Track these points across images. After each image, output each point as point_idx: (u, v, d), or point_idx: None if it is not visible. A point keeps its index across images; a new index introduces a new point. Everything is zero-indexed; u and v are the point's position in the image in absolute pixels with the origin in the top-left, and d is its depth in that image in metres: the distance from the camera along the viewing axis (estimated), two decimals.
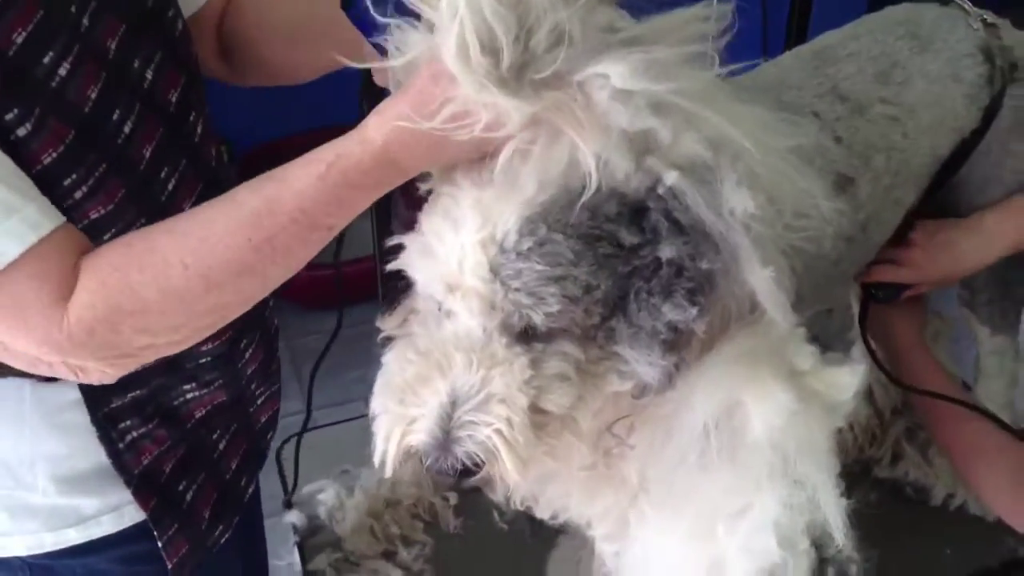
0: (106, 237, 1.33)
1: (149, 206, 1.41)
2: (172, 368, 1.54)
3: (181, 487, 1.63)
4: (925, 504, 2.25)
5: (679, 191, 1.21)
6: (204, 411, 1.63)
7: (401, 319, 1.46)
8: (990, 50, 1.87)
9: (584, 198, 1.21)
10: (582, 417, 1.35)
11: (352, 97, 1.79)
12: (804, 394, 1.28)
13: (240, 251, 1.24)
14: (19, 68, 1.23)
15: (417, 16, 1.27)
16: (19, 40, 1.22)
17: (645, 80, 1.18)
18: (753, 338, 1.30)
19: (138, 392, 1.53)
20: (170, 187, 1.46)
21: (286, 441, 2.30)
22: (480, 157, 1.26)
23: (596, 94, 1.19)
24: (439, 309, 1.33)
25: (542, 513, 1.67)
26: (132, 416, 1.54)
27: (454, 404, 1.27)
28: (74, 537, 1.55)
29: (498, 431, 1.26)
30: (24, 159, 1.25)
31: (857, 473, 2.24)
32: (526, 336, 1.29)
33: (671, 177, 1.21)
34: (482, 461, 1.28)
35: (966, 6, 1.92)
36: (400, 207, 2.42)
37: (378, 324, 1.47)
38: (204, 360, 1.59)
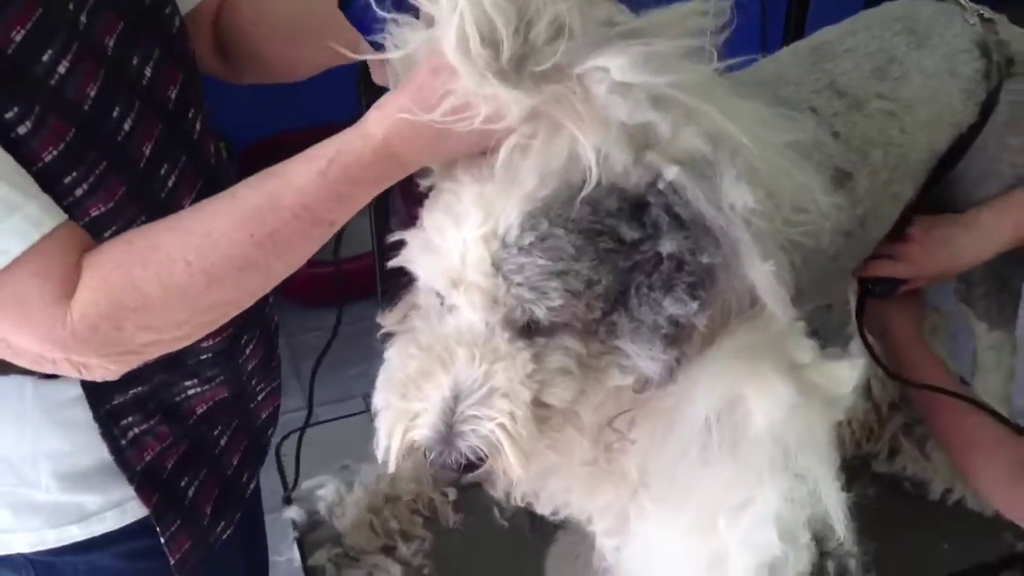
0: (107, 235, 1.33)
1: (149, 203, 1.40)
2: (173, 364, 1.53)
3: (183, 483, 1.63)
4: (923, 499, 2.25)
5: (679, 186, 1.22)
6: (205, 407, 1.63)
7: (402, 315, 1.47)
8: (987, 45, 1.87)
9: (584, 192, 1.22)
10: (584, 411, 1.35)
11: (349, 94, 1.80)
12: (804, 387, 1.29)
13: (242, 247, 1.24)
14: (18, 66, 1.23)
15: (416, 13, 1.27)
16: (18, 38, 1.22)
17: (644, 73, 1.18)
18: (753, 332, 1.31)
19: (140, 388, 1.53)
20: (170, 184, 1.45)
21: (285, 437, 2.31)
22: (480, 152, 1.26)
23: (595, 87, 1.20)
24: (441, 304, 1.34)
25: (543, 509, 1.67)
26: (134, 412, 1.54)
27: (457, 399, 1.28)
28: (77, 534, 1.56)
29: (501, 425, 1.26)
30: (25, 157, 1.25)
31: (855, 468, 2.24)
32: (528, 331, 1.29)
33: (671, 172, 1.21)
34: (485, 455, 1.28)
35: (963, 1, 1.92)
36: (398, 204, 2.43)
37: (378, 320, 1.48)
38: (205, 356, 1.59)
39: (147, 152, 1.41)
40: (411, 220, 1.37)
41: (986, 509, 2.18)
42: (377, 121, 1.23)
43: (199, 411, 1.63)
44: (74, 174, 1.30)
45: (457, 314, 1.31)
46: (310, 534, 2.19)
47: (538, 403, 1.29)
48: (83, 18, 1.31)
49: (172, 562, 1.61)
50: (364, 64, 1.54)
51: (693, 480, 1.35)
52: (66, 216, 1.27)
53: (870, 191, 1.78)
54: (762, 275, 1.26)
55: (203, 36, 1.68)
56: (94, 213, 1.34)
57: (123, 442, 1.53)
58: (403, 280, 1.45)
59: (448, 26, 1.16)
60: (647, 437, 1.41)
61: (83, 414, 1.49)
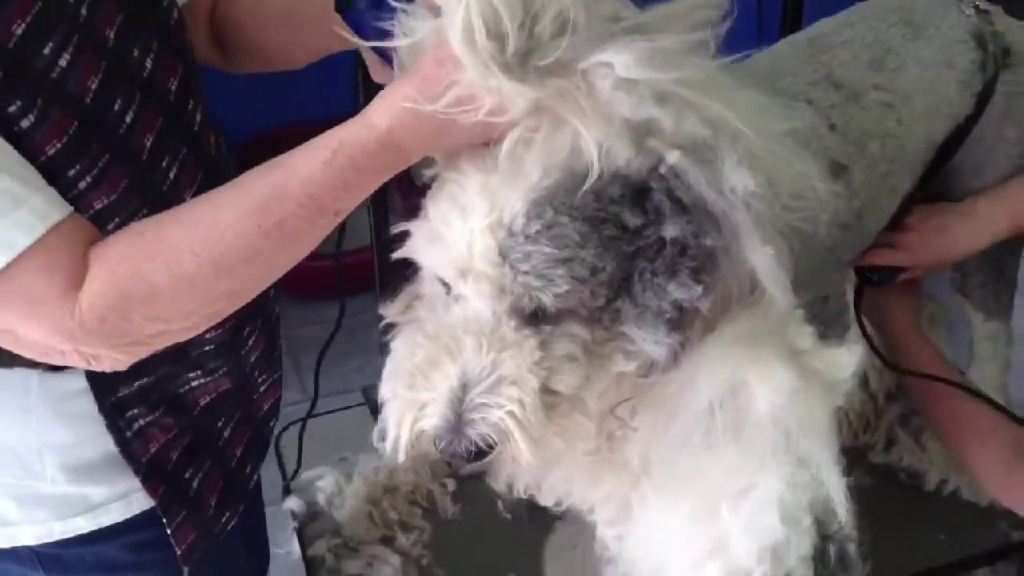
0: (110, 227, 1.34)
1: (151, 196, 1.41)
2: (177, 356, 1.54)
3: (188, 475, 1.64)
4: (919, 489, 2.26)
5: (681, 170, 1.22)
6: (209, 399, 1.64)
7: (404, 305, 1.47)
8: (982, 36, 1.88)
9: (588, 184, 1.22)
10: (590, 397, 1.36)
11: (347, 88, 1.80)
12: (805, 373, 1.30)
13: (249, 237, 1.25)
14: (19, 60, 1.23)
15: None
16: (19, 32, 1.23)
17: (649, 69, 1.19)
18: (754, 319, 1.31)
19: (145, 380, 1.54)
20: (171, 176, 1.46)
21: (284, 429, 2.32)
22: (483, 143, 1.27)
23: (599, 83, 1.20)
24: (447, 293, 1.35)
25: (545, 500, 1.68)
26: (139, 404, 1.55)
27: (465, 387, 1.28)
28: (83, 525, 1.57)
29: (510, 412, 1.27)
30: (28, 151, 1.25)
31: (851, 458, 2.24)
32: (535, 318, 1.30)
33: (673, 156, 1.22)
34: (495, 442, 1.29)
35: None
36: (396, 198, 2.44)
37: (381, 311, 1.48)
38: (208, 348, 1.59)
39: (148, 144, 1.42)
40: (409, 213, 1.38)
41: (981, 499, 2.19)
42: (381, 111, 1.23)
43: (203, 403, 1.64)
44: (77, 167, 1.31)
45: (464, 303, 1.31)
46: (309, 525, 2.19)
47: (545, 390, 1.30)
48: (83, 10, 1.32)
49: (178, 553, 1.62)
50: (361, 58, 1.55)
51: (695, 467, 1.35)
52: (72, 208, 1.28)
53: (867, 183, 1.78)
54: (763, 258, 1.27)
55: (200, 27, 1.69)
56: (97, 206, 1.34)
57: (128, 434, 1.54)
58: (402, 273, 1.46)
59: (454, 17, 1.17)
60: (649, 425, 1.42)
61: (88, 406, 1.50)
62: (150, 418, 1.56)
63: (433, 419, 1.30)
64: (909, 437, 2.30)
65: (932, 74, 1.84)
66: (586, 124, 1.21)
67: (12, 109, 1.23)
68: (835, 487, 1.32)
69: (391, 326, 1.47)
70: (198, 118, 1.55)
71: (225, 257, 1.25)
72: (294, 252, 1.30)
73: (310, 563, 2.12)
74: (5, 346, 1.32)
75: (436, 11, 1.24)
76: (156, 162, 1.44)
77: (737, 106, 1.26)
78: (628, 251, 1.27)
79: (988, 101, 1.89)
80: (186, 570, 1.64)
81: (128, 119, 1.38)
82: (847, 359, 1.33)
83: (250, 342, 1.68)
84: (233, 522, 1.73)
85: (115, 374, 1.42)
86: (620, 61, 1.18)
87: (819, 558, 1.37)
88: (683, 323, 1.30)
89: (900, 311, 2.02)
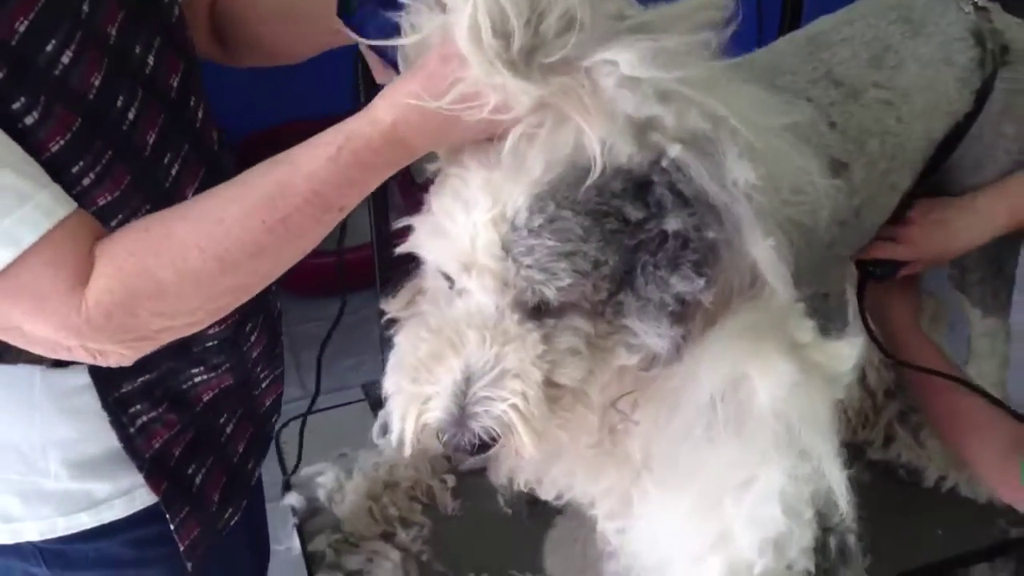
0: (113, 224, 1.34)
1: (153, 192, 1.41)
2: (180, 352, 1.54)
3: (190, 471, 1.64)
4: (917, 486, 2.27)
5: (682, 163, 1.23)
6: (211, 395, 1.64)
7: (407, 300, 1.48)
8: (981, 33, 1.89)
9: (590, 180, 1.23)
10: (593, 390, 1.37)
11: (347, 85, 1.80)
12: (806, 366, 1.30)
13: (254, 233, 1.25)
14: (23, 57, 1.23)
15: None
16: (21, 29, 1.23)
17: (653, 68, 1.20)
18: (755, 313, 1.31)
19: (147, 376, 1.54)
20: (173, 172, 1.46)
21: (284, 425, 2.32)
22: (487, 138, 1.27)
23: (603, 80, 1.21)
24: (450, 288, 1.35)
25: (546, 494, 1.68)
26: (142, 400, 1.55)
27: (468, 380, 1.28)
28: (86, 521, 1.57)
29: (514, 406, 1.28)
30: (32, 147, 1.25)
31: (850, 455, 2.25)
32: (538, 312, 1.30)
33: (674, 149, 1.23)
34: (498, 435, 1.29)
35: None
36: (396, 195, 2.44)
37: (383, 306, 1.48)
38: (211, 344, 1.59)
39: (151, 141, 1.42)
40: (409, 210, 1.38)
41: (980, 496, 2.21)
42: (386, 107, 1.24)
43: (205, 399, 1.64)
44: (81, 164, 1.31)
45: (467, 297, 1.32)
46: (309, 520, 2.21)
47: (549, 383, 1.30)
48: (85, 7, 1.32)
49: (181, 548, 1.62)
50: (361, 56, 1.55)
51: (697, 460, 1.36)
52: (76, 205, 1.28)
53: (867, 181, 1.79)
54: (764, 251, 1.27)
55: (200, 21, 1.69)
56: (101, 202, 1.35)
57: (132, 430, 1.54)
58: (403, 270, 1.46)
59: (461, 15, 1.17)
60: (651, 418, 1.42)
61: (92, 402, 1.51)
62: (153, 414, 1.57)
63: (437, 412, 1.31)
64: (908, 434, 2.31)
65: (931, 72, 1.85)
66: (589, 121, 1.21)
67: (16, 106, 1.23)
68: (836, 479, 1.33)
69: (393, 321, 1.48)
70: (200, 115, 1.55)
71: (230, 253, 1.26)
72: (299, 247, 1.30)
73: (310, 558, 2.13)
74: (12, 342, 1.32)
75: (443, 8, 1.24)
76: (158, 159, 1.44)
77: (737, 103, 1.27)
78: (630, 244, 1.28)
79: (987, 98, 1.89)
80: (189, 566, 1.64)
81: (131, 116, 1.38)
82: (848, 352, 1.33)
83: (252, 338, 1.68)
84: (236, 518, 1.74)
85: (118, 370, 1.43)
86: (624, 59, 1.19)
87: (820, 550, 1.38)
88: (685, 316, 1.31)
89: (900, 309, 2.03)
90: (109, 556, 1.62)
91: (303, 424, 2.23)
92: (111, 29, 1.36)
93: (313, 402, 2.15)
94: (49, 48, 1.26)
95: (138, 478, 1.57)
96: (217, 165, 1.56)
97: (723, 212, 1.25)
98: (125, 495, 1.58)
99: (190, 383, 1.61)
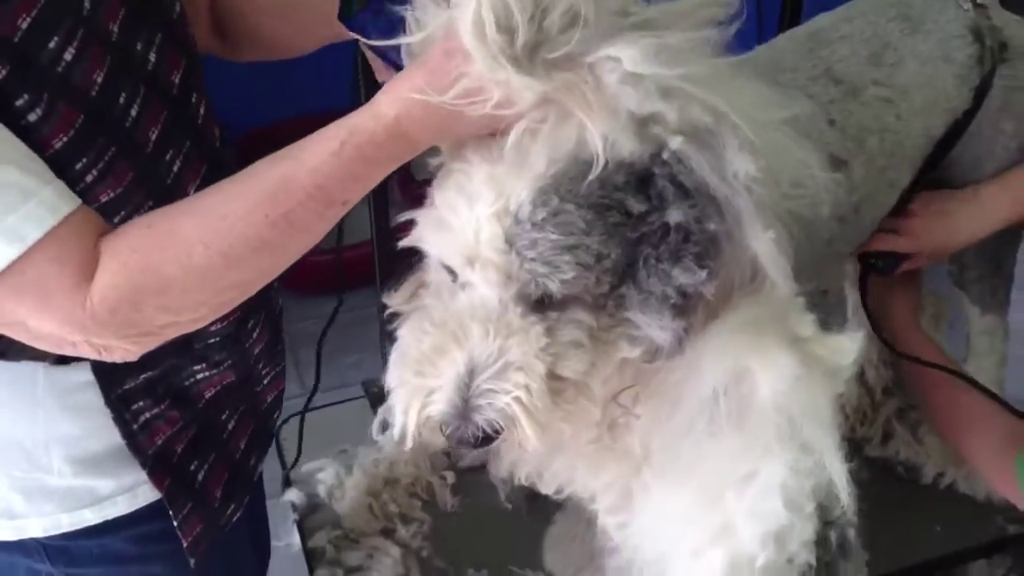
0: (116, 220, 1.34)
1: (156, 189, 1.42)
2: (182, 349, 1.55)
3: (193, 467, 1.64)
4: (915, 482, 2.28)
5: (684, 155, 1.23)
6: (214, 391, 1.65)
7: (409, 294, 1.48)
8: (980, 30, 1.89)
9: (592, 175, 1.23)
10: (595, 383, 1.37)
11: (345, 83, 1.81)
12: (807, 359, 1.30)
13: (258, 228, 1.26)
14: (25, 54, 1.24)
15: None
16: (24, 25, 1.23)
17: (656, 65, 1.20)
18: (756, 307, 1.32)
19: (150, 373, 1.55)
20: (175, 169, 1.46)
21: (284, 422, 2.32)
22: (489, 134, 1.28)
23: (606, 77, 1.21)
24: (453, 281, 1.36)
25: (546, 488, 1.68)
26: (145, 397, 1.55)
27: (472, 373, 1.29)
28: (90, 517, 1.57)
29: (517, 398, 1.28)
30: (36, 144, 1.26)
31: (849, 452, 2.26)
32: (540, 305, 1.31)
33: (675, 142, 1.23)
34: (501, 428, 1.30)
35: None
36: (396, 193, 2.44)
37: (384, 300, 1.49)
38: (213, 340, 1.60)
39: (153, 137, 1.42)
40: (409, 208, 1.39)
41: (978, 493, 2.22)
42: (389, 101, 1.24)
43: (208, 395, 1.64)
44: (84, 160, 1.31)
45: (470, 290, 1.32)
46: (310, 517, 2.21)
47: (552, 376, 1.31)
48: (87, 4, 1.32)
49: (185, 545, 1.63)
50: (361, 53, 1.55)
51: (699, 453, 1.36)
52: (80, 201, 1.28)
53: (866, 178, 1.80)
54: (764, 243, 1.28)
55: (201, 16, 1.69)
56: (104, 199, 1.35)
57: (135, 427, 1.55)
58: (402, 267, 1.47)
59: (465, 10, 1.18)
60: (652, 413, 1.43)
61: (95, 399, 1.51)
62: (156, 411, 1.57)
63: (440, 405, 1.31)
64: (906, 431, 2.32)
65: (930, 69, 1.85)
66: (592, 117, 1.22)
67: (19, 103, 1.23)
68: (838, 472, 1.33)
69: (394, 316, 1.48)
70: (201, 112, 1.55)
71: (235, 248, 1.26)
72: (302, 242, 1.31)
73: (311, 554, 2.13)
74: (17, 338, 1.33)
75: (447, 4, 1.25)
76: (161, 155, 1.44)
77: (739, 99, 1.27)
78: (632, 237, 1.28)
79: (986, 95, 1.90)
80: (192, 562, 1.65)
81: (133, 112, 1.38)
82: (848, 346, 1.33)
83: (254, 334, 1.69)
84: (238, 514, 1.74)
85: (120, 367, 1.43)
86: (627, 56, 1.19)
87: (820, 543, 1.38)
88: (687, 308, 1.31)
89: (900, 306, 2.03)
90: (113, 552, 1.62)
91: (302, 420, 2.24)
92: (113, 26, 1.36)
93: (311, 397, 2.16)
94: (51, 45, 1.26)
95: (141, 475, 1.58)
96: (219, 162, 1.56)
97: (724, 204, 1.25)
98: (128, 492, 1.58)
99: (192, 380, 1.61)
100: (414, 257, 1.45)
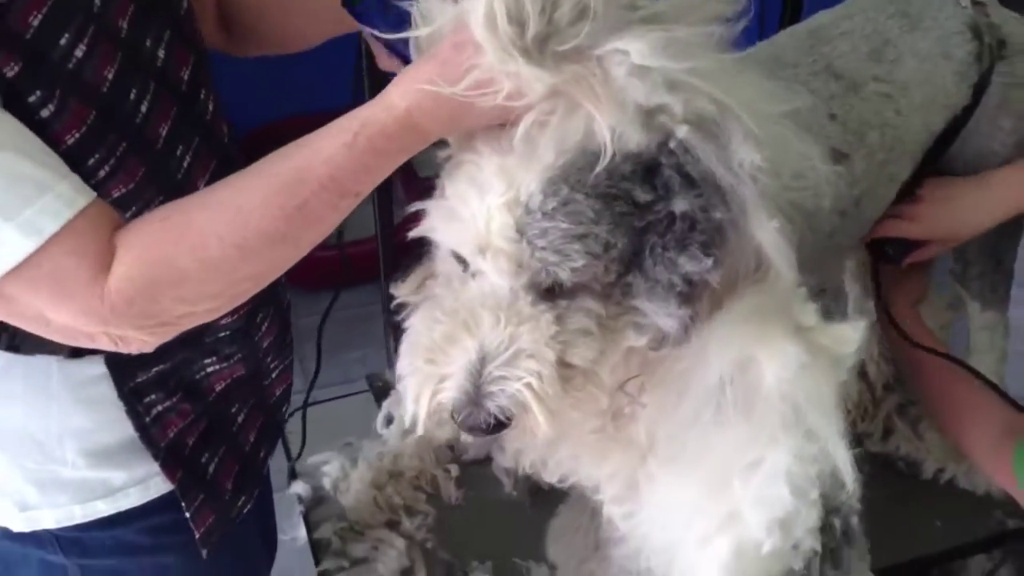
0: (127, 215, 1.35)
1: (166, 184, 1.43)
2: (194, 342, 1.56)
3: (204, 459, 1.66)
4: (916, 478, 2.30)
5: (690, 144, 1.25)
6: (224, 384, 1.66)
7: (416, 285, 1.49)
8: (978, 28, 1.91)
9: (600, 166, 1.25)
10: (604, 370, 1.38)
11: (348, 80, 1.81)
12: (811, 348, 1.31)
13: (273, 220, 1.27)
14: (37, 51, 1.25)
15: None
16: (35, 23, 1.24)
17: (663, 58, 1.21)
18: (760, 296, 1.33)
19: (162, 366, 1.56)
20: (185, 165, 1.47)
21: (290, 415, 2.33)
22: (499, 125, 1.29)
23: (614, 69, 1.23)
24: (464, 271, 1.37)
25: (550, 477, 1.69)
26: (157, 390, 1.57)
27: (483, 360, 1.30)
28: (103, 509, 1.59)
29: (528, 385, 1.29)
30: (48, 140, 1.27)
31: (849, 447, 2.28)
32: (550, 294, 1.32)
33: (682, 131, 1.24)
34: (513, 414, 1.31)
35: None
36: (399, 190, 2.46)
37: (392, 291, 1.50)
38: (223, 334, 1.61)
39: (163, 134, 1.43)
40: (413, 202, 1.40)
41: (978, 488, 2.23)
42: (400, 93, 1.25)
43: (218, 388, 1.66)
44: (96, 156, 1.32)
45: (481, 279, 1.34)
46: (315, 509, 2.23)
47: (561, 363, 1.32)
48: (96, 1, 1.33)
49: (197, 536, 1.64)
50: (361, 51, 1.56)
51: (705, 442, 1.37)
52: (95, 194, 1.29)
53: (867, 172, 1.81)
54: (768, 232, 1.29)
55: (207, 11, 1.70)
56: (115, 194, 1.35)
57: (147, 419, 1.56)
58: (406, 263, 1.48)
59: (477, 3, 1.19)
60: (658, 402, 1.44)
61: (108, 392, 1.52)
62: (168, 404, 1.58)
63: (451, 392, 1.32)
64: (907, 426, 2.33)
65: (929, 65, 1.87)
66: (600, 109, 1.23)
67: (32, 99, 1.25)
68: (843, 458, 1.34)
69: (401, 307, 1.49)
70: (210, 108, 1.56)
71: (249, 240, 1.27)
72: (316, 233, 1.32)
73: (316, 546, 2.15)
74: (34, 331, 1.34)
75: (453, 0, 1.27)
76: (171, 151, 1.45)
77: (743, 92, 1.29)
78: (639, 227, 1.29)
79: (984, 92, 1.91)
80: (204, 553, 1.66)
81: (143, 109, 1.39)
82: (851, 335, 1.34)
83: (263, 328, 1.70)
84: (248, 506, 1.75)
85: (133, 360, 1.45)
86: (635, 49, 1.21)
87: (825, 530, 1.39)
88: (693, 297, 1.32)
89: (902, 298, 2.04)
90: (125, 543, 1.63)
91: (304, 413, 2.25)
92: (122, 23, 1.37)
93: (310, 390, 2.17)
94: (63, 42, 1.27)
95: (153, 467, 1.59)
96: (227, 158, 1.57)
97: (729, 193, 1.26)
98: (141, 483, 1.60)
99: (203, 373, 1.63)
100: (419, 251, 1.46)
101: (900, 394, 2.37)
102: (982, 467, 1.94)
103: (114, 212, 1.32)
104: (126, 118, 1.37)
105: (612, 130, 1.24)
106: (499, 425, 1.32)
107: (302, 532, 2.21)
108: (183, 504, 1.62)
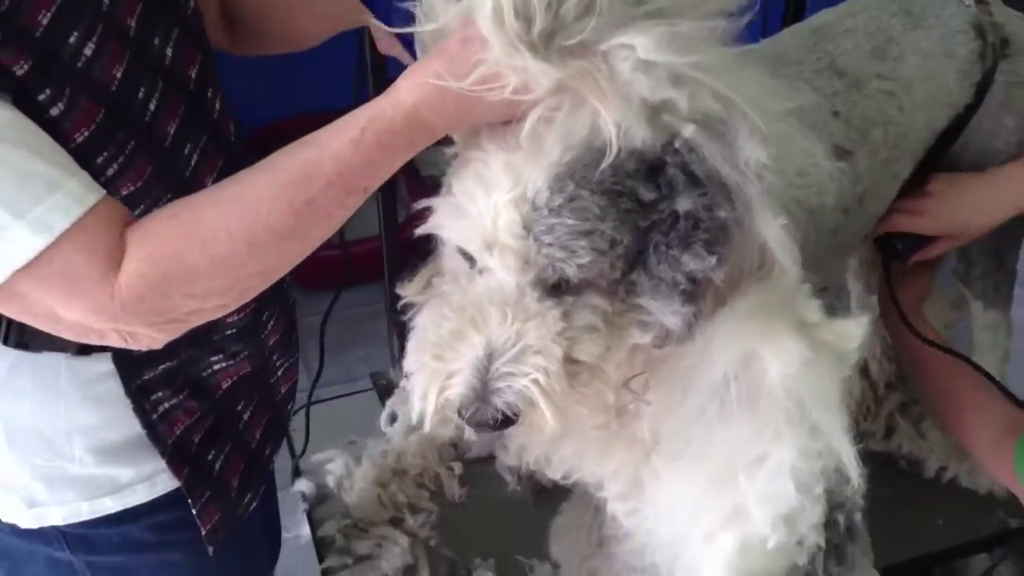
0: (136, 213, 1.35)
1: (175, 182, 1.43)
2: (200, 340, 1.56)
3: (210, 457, 1.66)
4: (918, 476, 2.30)
5: (695, 144, 1.25)
6: (230, 382, 1.66)
7: (423, 284, 1.50)
8: (981, 26, 1.91)
9: (606, 162, 1.25)
10: (609, 367, 1.39)
11: (350, 80, 1.81)
12: (815, 344, 1.32)
13: (282, 216, 1.27)
14: (47, 49, 1.25)
15: None
16: (45, 21, 1.24)
17: (668, 53, 1.22)
18: (764, 293, 1.34)
19: (169, 364, 1.56)
20: (193, 163, 1.48)
21: (294, 413, 2.34)
22: (505, 121, 1.29)
23: (620, 64, 1.23)
24: (471, 267, 1.38)
25: (554, 473, 1.70)
26: (164, 388, 1.57)
27: (490, 357, 1.31)
28: (110, 506, 1.59)
29: (535, 381, 1.30)
30: (58, 138, 1.27)
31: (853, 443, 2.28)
32: (557, 290, 1.33)
33: (688, 130, 1.25)
34: (520, 410, 1.32)
35: None
36: (403, 189, 2.46)
37: (398, 291, 1.51)
38: (230, 332, 1.61)
39: (172, 131, 1.43)
40: (415, 199, 1.41)
41: (980, 487, 2.24)
42: (408, 89, 1.26)
43: (224, 386, 1.66)
44: (105, 154, 1.33)
45: (488, 276, 1.34)
46: (319, 507, 2.24)
47: (568, 359, 1.32)
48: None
49: (203, 532, 1.64)
50: (361, 50, 1.56)
51: (710, 438, 1.38)
52: (105, 192, 1.30)
53: (870, 169, 1.82)
54: (774, 230, 1.30)
55: (212, 10, 1.70)
56: (124, 192, 1.36)
57: (154, 416, 1.56)
58: (411, 262, 1.49)
59: None
60: (663, 399, 1.44)
61: (115, 389, 1.53)
62: (174, 401, 1.59)
63: (459, 388, 1.33)
64: (909, 425, 2.34)
65: (932, 63, 1.88)
66: (605, 104, 1.23)
67: (42, 97, 1.25)
68: (847, 453, 1.35)
69: (408, 306, 1.50)
70: (217, 106, 1.57)
71: (258, 236, 1.28)
72: (324, 229, 1.33)
73: (320, 543, 2.16)
74: (45, 328, 1.34)
75: None
76: (179, 149, 1.46)
77: (747, 88, 1.29)
78: (643, 225, 1.30)
79: (987, 90, 1.92)
80: (211, 549, 1.66)
81: (152, 107, 1.40)
82: (854, 331, 1.35)
83: (269, 326, 1.70)
84: (254, 504, 1.76)
85: (140, 358, 1.46)
86: (641, 44, 1.21)
87: (829, 526, 1.40)
88: (696, 294, 1.33)
89: (906, 293, 2.04)
90: (132, 540, 1.64)
91: (308, 410, 2.26)
92: (131, 21, 1.38)
93: (313, 388, 2.17)
94: (72, 40, 1.27)
95: (160, 463, 1.59)
96: (234, 156, 1.58)
97: (734, 191, 1.27)
98: (148, 480, 1.60)
99: (210, 371, 1.63)
100: (423, 250, 1.46)
101: (902, 393, 2.38)
102: (984, 463, 1.95)
103: (124, 209, 1.33)
104: (135, 116, 1.37)
105: (618, 126, 1.24)
106: (506, 421, 1.32)
107: (306, 529, 2.22)
108: (189, 501, 1.62)
